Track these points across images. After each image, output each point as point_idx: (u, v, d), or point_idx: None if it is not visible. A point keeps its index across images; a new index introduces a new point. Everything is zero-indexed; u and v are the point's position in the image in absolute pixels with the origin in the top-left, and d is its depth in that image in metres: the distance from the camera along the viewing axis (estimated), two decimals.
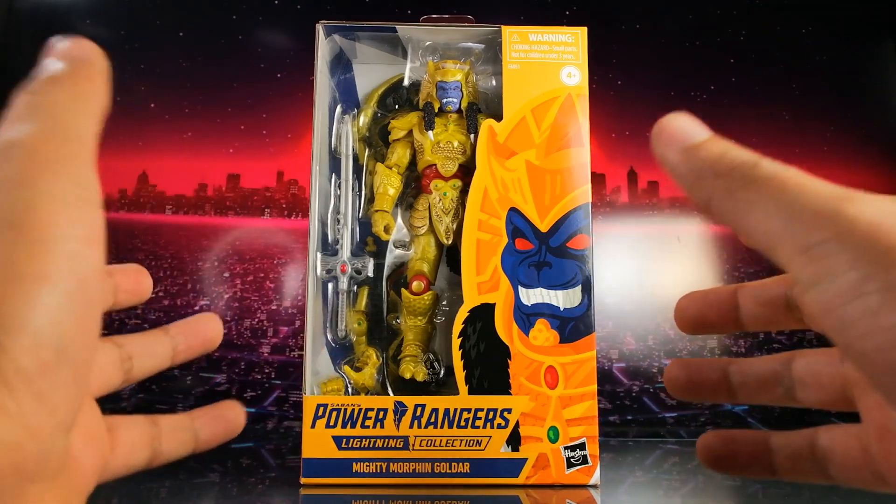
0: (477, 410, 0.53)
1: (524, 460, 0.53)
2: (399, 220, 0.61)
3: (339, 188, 0.60)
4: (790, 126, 0.87)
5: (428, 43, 0.61)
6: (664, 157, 0.23)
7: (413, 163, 0.61)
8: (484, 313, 0.55)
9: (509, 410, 0.53)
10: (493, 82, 0.62)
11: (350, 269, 0.59)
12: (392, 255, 0.61)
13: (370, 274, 0.59)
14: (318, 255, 0.58)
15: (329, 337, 0.59)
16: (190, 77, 0.84)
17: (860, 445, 0.25)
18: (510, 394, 0.54)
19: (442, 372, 0.58)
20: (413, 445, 0.53)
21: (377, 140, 0.62)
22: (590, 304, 0.55)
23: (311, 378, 0.56)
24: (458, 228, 0.57)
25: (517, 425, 0.53)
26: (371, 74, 0.64)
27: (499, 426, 0.53)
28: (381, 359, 0.59)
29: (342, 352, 0.59)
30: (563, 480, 0.53)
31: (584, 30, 0.58)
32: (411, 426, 0.53)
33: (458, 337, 0.55)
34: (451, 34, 0.60)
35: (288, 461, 0.64)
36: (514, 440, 0.53)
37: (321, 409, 0.53)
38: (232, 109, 0.84)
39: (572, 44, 0.58)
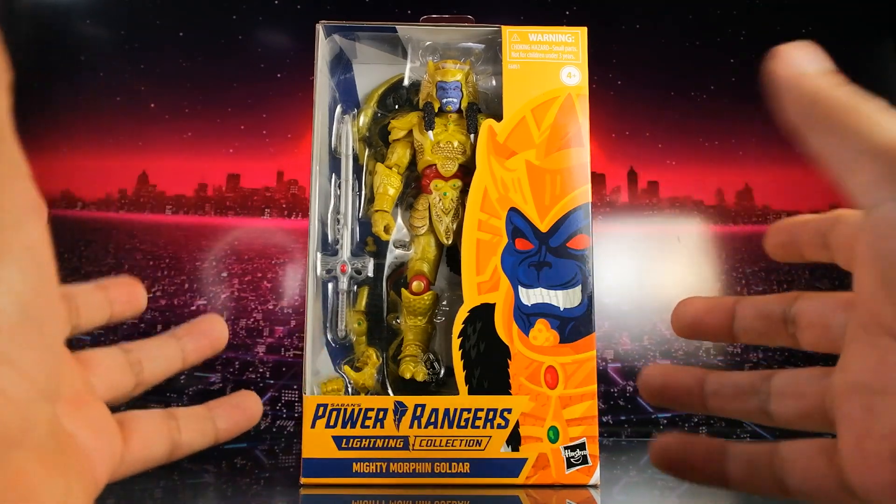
0: (477, 410, 0.53)
1: (524, 460, 0.53)
2: (399, 220, 0.61)
3: (339, 188, 0.60)
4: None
5: (428, 43, 0.61)
6: (778, 75, 0.25)
7: (413, 163, 0.61)
8: (484, 313, 0.55)
9: (509, 410, 0.53)
10: (493, 82, 0.62)
11: (350, 269, 0.59)
12: (392, 255, 0.61)
13: (370, 274, 0.59)
14: (318, 255, 0.58)
15: (329, 337, 0.59)
16: (190, 77, 0.84)
17: (826, 457, 0.25)
18: (510, 394, 0.54)
19: (442, 372, 0.58)
20: (413, 445, 0.53)
21: (377, 140, 0.62)
22: (590, 304, 0.55)
23: (311, 378, 0.56)
24: (458, 228, 0.57)
25: (517, 425, 0.53)
26: (371, 74, 0.64)
27: (499, 426, 0.53)
28: (381, 359, 0.59)
29: (342, 352, 0.59)
30: (563, 480, 0.53)
31: (584, 30, 0.58)
32: (411, 426, 0.53)
33: (458, 337, 0.55)
34: (451, 34, 0.60)
35: (282, 461, 0.64)
36: (514, 440, 0.53)
37: (321, 409, 0.53)
38: (232, 109, 0.84)
39: (572, 44, 0.58)
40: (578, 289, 0.55)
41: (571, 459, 0.53)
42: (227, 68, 0.84)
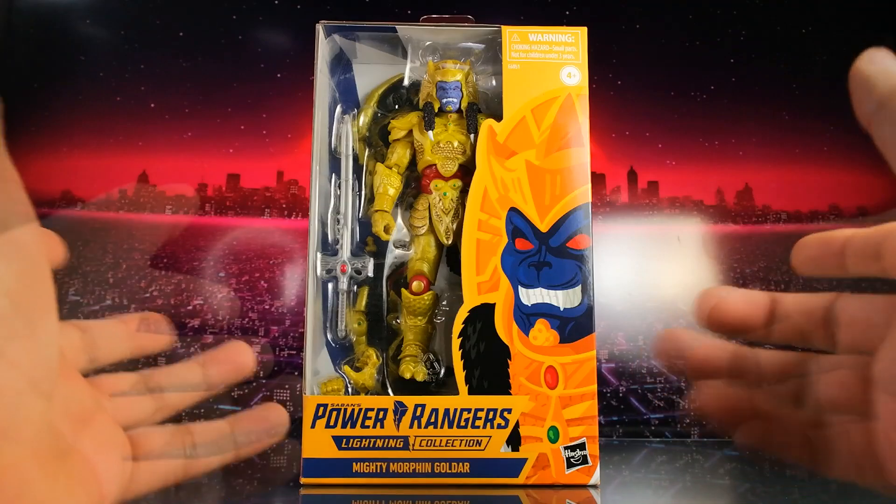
0: (477, 410, 0.53)
1: (524, 460, 0.53)
2: (399, 220, 0.61)
3: (339, 188, 0.60)
4: (790, 126, 0.87)
5: (428, 43, 0.61)
6: (861, 69, 0.26)
7: (413, 163, 0.61)
8: (484, 313, 0.55)
9: (509, 410, 0.53)
10: (493, 82, 0.62)
11: (350, 269, 0.59)
12: (392, 255, 0.61)
13: (370, 274, 0.59)
14: (318, 255, 0.58)
15: (329, 337, 0.59)
16: (190, 77, 0.84)
17: (865, 440, 0.26)
18: (510, 394, 0.54)
19: (442, 372, 0.58)
20: (413, 445, 0.53)
21: (377, 140, 0.62)
22: (590, 304, 0.55)
23: (311, 378, 0.56)
24: (458, 228, 0.57)
25: (517, 425, 0.53)
26: (371, 74, 0.64)
27: (499, 426, 0.53)
28: (381, 359, 0.59)
29: (342, 352, 0.59)
30: (563, 480, 0.53)
31: (584, 30, 0.58)
32: (411, 426, 0.53)
33: (458, 337, 0.55)
34: (451, 34, 0.60)
35: (273, 462, 0.64)
36: (514, 440, 0.53)
37: (321, 408, 0.53)
38: (232, 109, 0.84)
39: (572, 44, 0.58)
40: (578, 289, 0.55)
41: (571, 459, 0.53)
42: (227, 68, 0.84)
